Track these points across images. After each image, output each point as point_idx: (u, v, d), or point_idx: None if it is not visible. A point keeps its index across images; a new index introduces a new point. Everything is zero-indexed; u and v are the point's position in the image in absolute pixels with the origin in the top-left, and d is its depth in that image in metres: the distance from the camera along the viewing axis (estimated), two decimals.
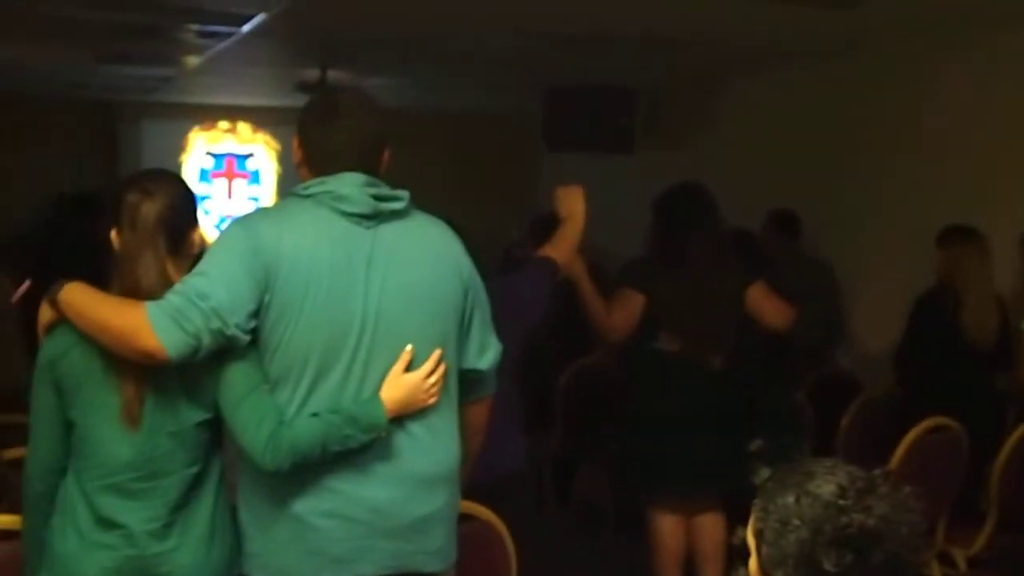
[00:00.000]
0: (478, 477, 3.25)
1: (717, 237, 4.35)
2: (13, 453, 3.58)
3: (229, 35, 6.37)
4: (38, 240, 6.07)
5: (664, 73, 7.66)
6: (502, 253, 6.80)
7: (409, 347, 2.57)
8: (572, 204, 3.92)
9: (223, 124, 10.13)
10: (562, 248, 3.87)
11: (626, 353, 4.67)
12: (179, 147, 9.86)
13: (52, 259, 5.21)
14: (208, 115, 10.08)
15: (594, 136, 8.10)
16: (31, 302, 3.35)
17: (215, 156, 10.15)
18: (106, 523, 2.55)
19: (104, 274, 2.61)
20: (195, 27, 6.25)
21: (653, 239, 4.39)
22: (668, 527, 4.44)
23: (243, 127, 10.12)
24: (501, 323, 2.90)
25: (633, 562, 4.69)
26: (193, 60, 7.40)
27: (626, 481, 4.66)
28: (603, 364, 5.79)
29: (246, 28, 6.11)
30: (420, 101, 9.35)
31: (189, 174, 9.66)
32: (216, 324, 2.43)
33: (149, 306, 2.44)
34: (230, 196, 10.12)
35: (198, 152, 10.03)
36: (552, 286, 3.79)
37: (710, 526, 4.47)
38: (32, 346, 3.38)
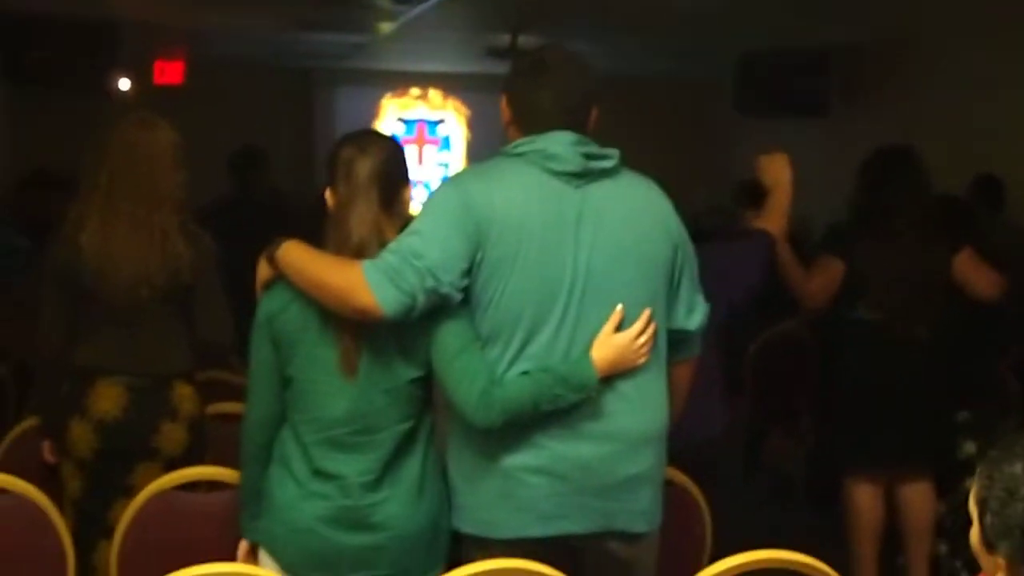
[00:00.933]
0: (677, 442, 3.25)
1: (924, 202, 4.21)
2: (217, 408, 3.72)
3: (422, 1, 6.45)
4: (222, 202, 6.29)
5: (861, 33, 7.44)
6: (691, 220, 6.70)
7: (620, 306, 2.57)
8: (777, 172, 3.85)
9: (414, 91, 10.26)
10: (774, 219, 3.83)
11: (822, 322, 4.58)
12: (372, 113, 10.03)
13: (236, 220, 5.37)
14: (400, 82, 10.20)
15: (787, 100, 7.97)
16: (229, 263, 3.47)
17: (406, 122, 10.29)
18: (322, 474, 2.62)
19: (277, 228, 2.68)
20: None
21: (858, 204, 4.28)
22: (867, 499, 4.34)
23: (434, 94, 10.23)
24: (709, 291, 2.87)
25: (823, 534, 4.60)
26: (386, 26, 7.51)
27: (822, 451, 4.57)
28: (795, 333, 5.68)
29: None
30: (611, 67, 9.28)
31: None
32: (430, 283, 2.46)
33: (365, 264, 2.49)
34: (420, 162, 10.25)
35: (390, 118, 10.19)
36: (767, 262, 3.78)
37: (919, 499, 4.35)
38: (234, 305, 3.51)
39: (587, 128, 2.66)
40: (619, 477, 2.61)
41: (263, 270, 2.68)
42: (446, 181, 2.66)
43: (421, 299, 2.47)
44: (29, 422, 3.69)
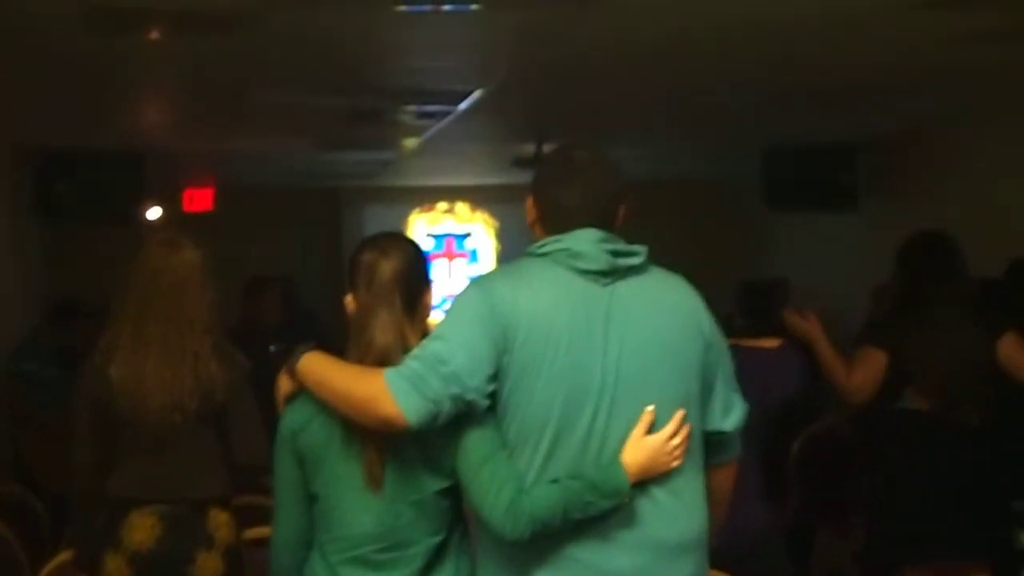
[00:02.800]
0: (719, 542, 3.16)
1: (964, 287, 4.14)
2: (253, 533, 3.63)
3: (446, 114, 6.48)
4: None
5: (886, 124, 7.43)
6: (725, 320, 6.65)
7: (651, 408, 2.47)
8: (809, 331, 4.00)
9: (442, 205, 10.31)
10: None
11: (864, 415, 4.48)
12: (400, 230, 10.06)
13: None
14: (427, 197, 10.27)
15: (816, 195, 7.95)
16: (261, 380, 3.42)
17: (435, 237, 10.33)
18: None
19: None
20: (413, 108, 6.39)
21: (897, 291, 4.20)
22: None
23: (461, 207, 10.28)
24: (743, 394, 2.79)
25: None
26: (411, 142, 7.55)
27: (873, 547, 4.43)
28: (838, 428, 5.57)
29: (463, 106, 6.20)
30: (635, 170, 9.31)
31: None
32: (456, 389, 2.39)
33: (388, 372, 2.41)
34: (450, 276, 10.26)
35: (418, 234, 10.23)
36: (804, 370, 3.89)
37: None
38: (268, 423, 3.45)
39: (615, 226, 2.60)
40: None
41: (284, 383, 2.62)
42: (471, 283, 2.60)
43: (446, 406, 2.39)
44: (64, 556, 3.63)
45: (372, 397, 2.40)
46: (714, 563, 2.83)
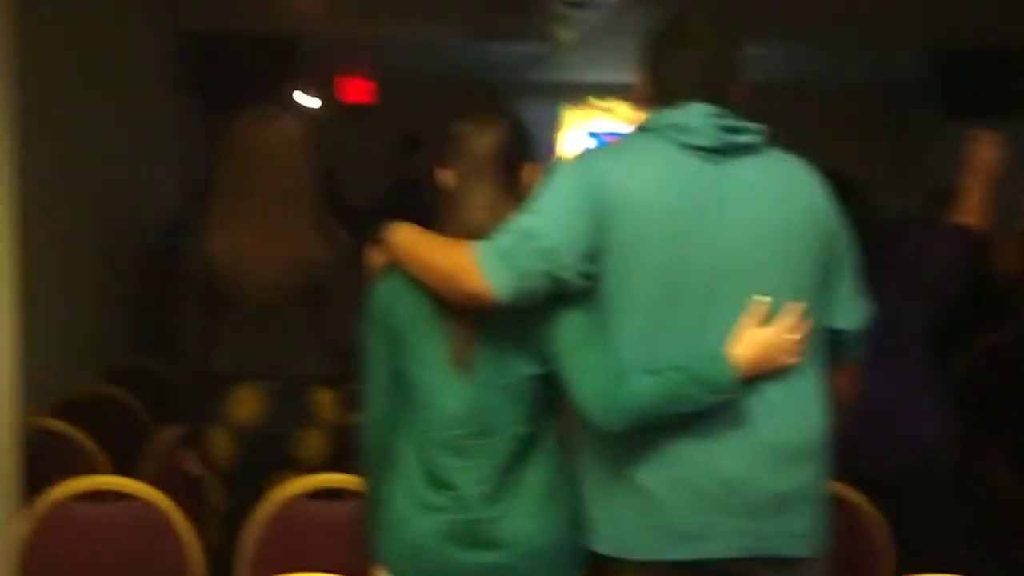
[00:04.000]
0: (871, 464, 3.07)
1: None
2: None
3: (595, 4, 6.26)
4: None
5: None
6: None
7: (761, 298, 2.27)
8: (983, 154, 3.56)
9: (600, 103, 10.08)
10: (974, 210, 3.53)
11: None
12: (555, 126, 9.90)
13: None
14: (583, 93, 10.05)
15: (998, 101, 7.48)
16: None
17: (595, 135, 10.09)
18: (437, 483, 2.42)
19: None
20: None
21: None
22: None
23: (617, 104, 10.02)
24: (905, 292, 2.63)
25: None
26: (565, 33, 7.34)
27: None
28: (1010, 344, 5.22)
29: None
30: (801, 72, 8.95)
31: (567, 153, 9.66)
32: (548, 265, 2.23)
33: (477, 245, 2.28)
34: None
35: (575, 131, 10.03)
36: (966, 256, 3.51)
37: None
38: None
39: (730, 102, 2.38)
40: (767, 494, 2.29)
41: (375, 257, 2.51)
42: (572, 159, 2.42)
43: (537, 283, 2.24)
44: (171, 431, 3.64)
45: (460, 270, 2.28)
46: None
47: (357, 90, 9.21)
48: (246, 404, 3.29)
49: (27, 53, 3.46)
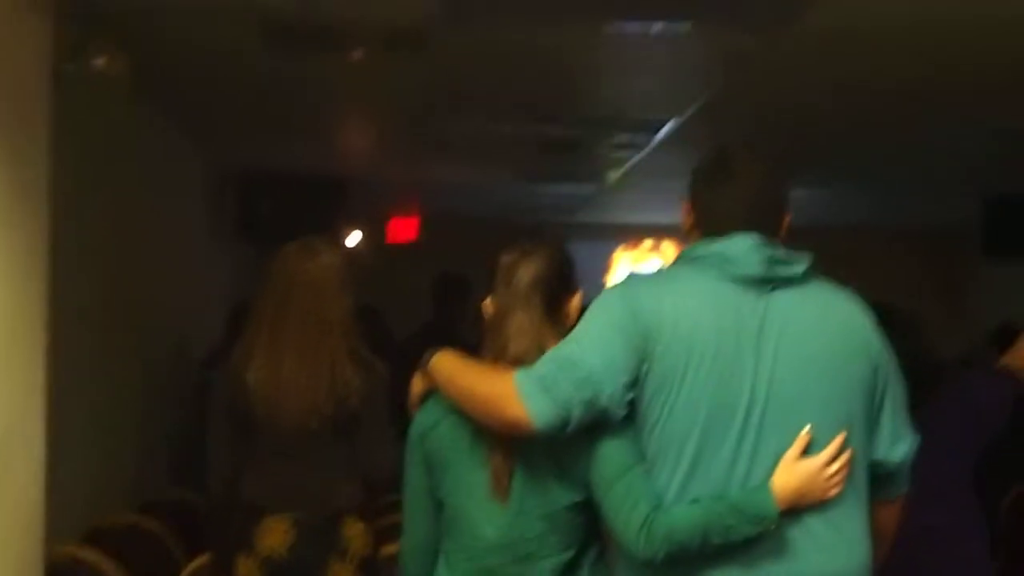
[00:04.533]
0: None
1: None
2: (390, 549, 3.52)
3: (643, 145, 6.31)
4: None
5: None
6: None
7: (807, 428, 2.25)
8: None
9: (647, 242, 10.12)
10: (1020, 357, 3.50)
11: None
12: (604, 267, 9.91)
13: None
14: (631, 234, 10.09)
15: None
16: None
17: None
18: None
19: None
20: (611, 139, 6.24)
21: None
22: None
23: (667, 245, 10.05)
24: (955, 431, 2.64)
25: None
26: (612, 174, 7.41)
27: None
28: None
29: (659, 136, 6.02)
30: (856, 217, 8.98)
31: None
32: (589, 394, 2.22)
33: (517, 373, 2.27)
34: None
35: (624, 271, 10.05)
36: (1010, 398, 3.46)
37: None
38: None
39: (776, 234, 2.39)
40: None
41: (417, 383, 2.52)
42: (613, 286, 2.42)
43: (578, 412, 2.22)
44: (200, 560, 3.59)
45: (499, 397, 2.27)
46: None
47: (402, 229, 9.29)
48: (275, 534, 3.27)
49: (77, 181, 3.52)
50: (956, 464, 3.43)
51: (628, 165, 6.98)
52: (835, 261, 2.49)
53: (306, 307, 3.31)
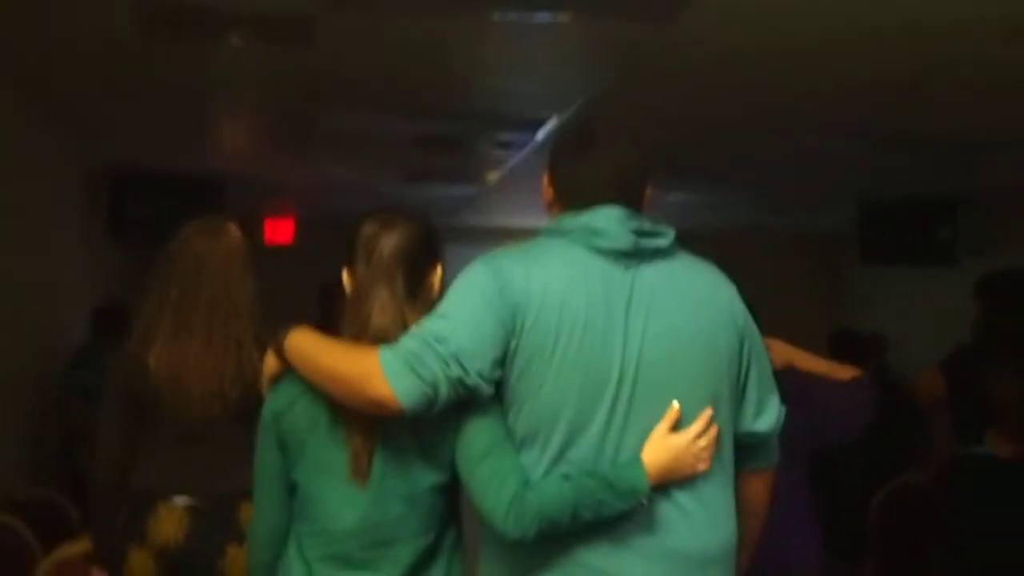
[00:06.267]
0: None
1: None
2: None
3: (524, 144, 6.29)
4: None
5: (988, 178, 7.09)
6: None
7: (675, 404, 2.22)
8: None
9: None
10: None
11: (943, 467, 4.18)
12: None
13: None
14: (512, 237, 10.04)
15: (913, 249, 7.63)
16: None
17: None
18: None
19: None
20: (493, 137, 6.21)
21: (979, 327, 3.89)
22: None
23: None
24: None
25: None
26: (493, 175, 7.38)
27: None
28: (920, 484, 5.22)
29: (540, 135, 6.01)
30: (728, 220, 9.08)
31: None
32: (455, 371, 2.15)
33: (381, 351, 2.18)
34: None
35: None
36: (863, 405, 3.45)
37: None
38: None
39: (641, 205, 2.36)
40: None
41: (270, 362, 2.42)
42: (479, 261, 2.35)
43: (444, 390, 2.15)
44: (77, 546, 3.46)
45: (362, 376, 2.17)
46: None
47: (279, 230, 9.13)
48: (169, 522, 3.15)
49: None
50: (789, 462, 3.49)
51: (509, 165, 6.94)
52: (719, 265, 2.45)
53: (214, 289, 3.19)
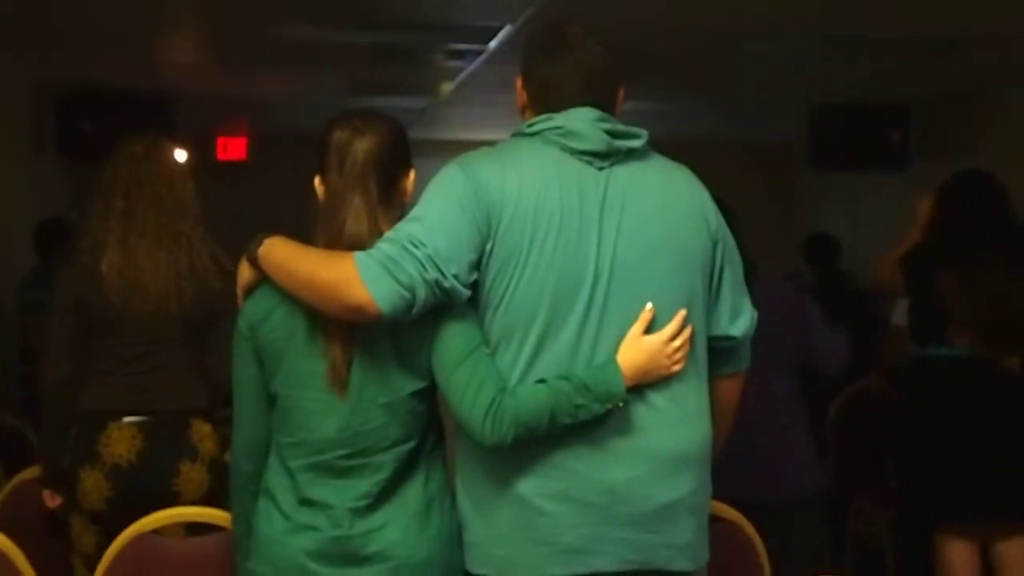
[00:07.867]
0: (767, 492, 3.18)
1: (1010, 228, 3.85)
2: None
3: (477, 54, 6.24)
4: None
5: (941, 83, 7.11)
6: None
7: (649, 305, 2.23)
8: None
9: None
10: None
11: (900, 370, 4.25)
12: None
13: None
14: (464, 151, 10.02)
15: (865, 154, 7.66)
16: None
17: None
18: (311, 503, 2.30)
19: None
20: (445, 47, 6.15)
21: (934, 227, 3.92)
22: (961, 558, 3.91)
23: None
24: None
25: None
26: (446, 86, 7.31)
27: (908, 511, 4.15)
28: (877, 389, 5.30)
29: (493, 44, 5.96)
30: (681, 128, 9.07)
31: None
32: (433, 274, 2.15)
33: (358, 256, 2.18)
34: None
35: None
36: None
37: (1019, 556, 3.89)
38: None
39: (614, 107, 2.37)
40: (654, 504, 2.24)
41: (244, 272, 2.39)
42: (454, 162, 2.35)
43: (422, 293, 2.15)
44: (30, 472, 3.46)
45: (339, 282, 2.17)
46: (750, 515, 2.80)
47: (230, 148, 9.07)
48: (121, 441, 3.17)
49: None
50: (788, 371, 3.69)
51: (461, 76, 6.89)
52: None
53: (158, 191, 3.21)
